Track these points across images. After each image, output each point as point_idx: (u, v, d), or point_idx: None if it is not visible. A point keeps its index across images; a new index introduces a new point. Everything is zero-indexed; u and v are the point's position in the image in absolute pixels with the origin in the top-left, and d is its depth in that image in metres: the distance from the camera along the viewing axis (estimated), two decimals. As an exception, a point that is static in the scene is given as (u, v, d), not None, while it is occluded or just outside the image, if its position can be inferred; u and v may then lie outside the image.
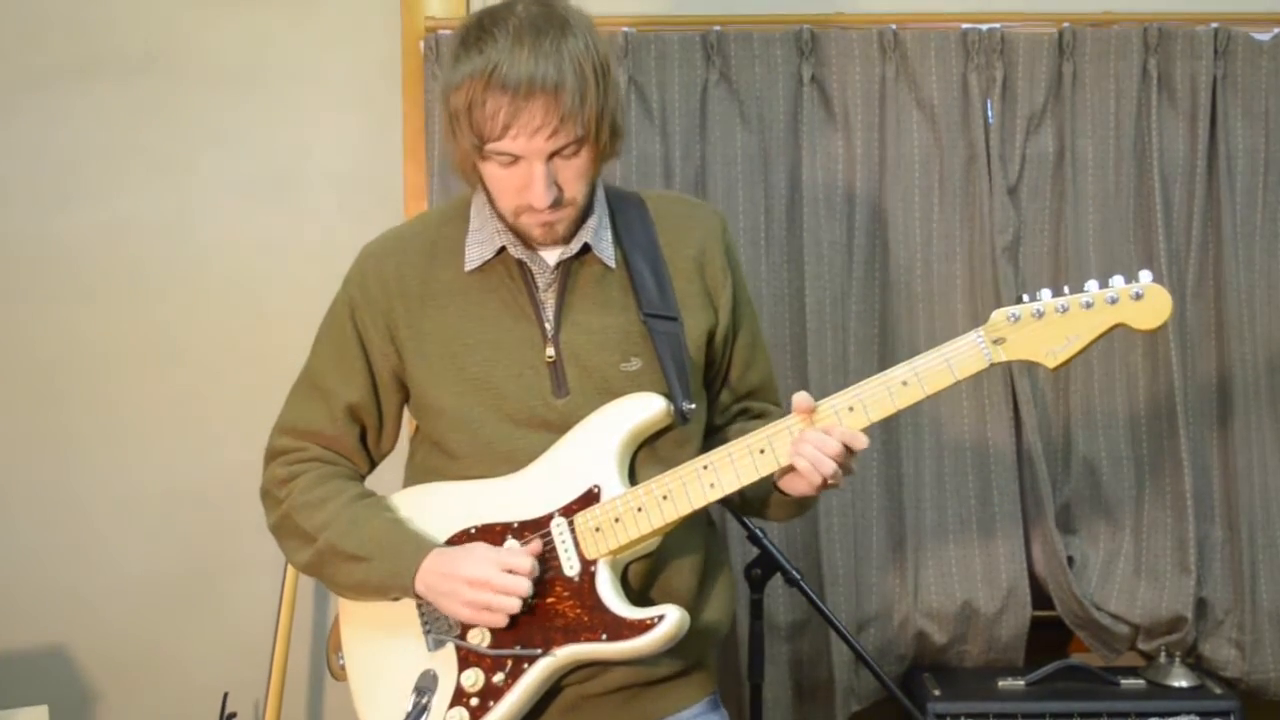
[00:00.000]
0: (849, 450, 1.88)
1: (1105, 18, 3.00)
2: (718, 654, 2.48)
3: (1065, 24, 2.97)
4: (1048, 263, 3.02)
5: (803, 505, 2.05)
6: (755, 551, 2.64)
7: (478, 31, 1.87)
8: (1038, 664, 2.91)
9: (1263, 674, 2.96)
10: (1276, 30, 2.99)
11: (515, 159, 1.87)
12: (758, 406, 2.16)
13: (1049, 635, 3.05)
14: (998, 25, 2.97)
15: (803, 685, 3.05)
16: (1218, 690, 2.87)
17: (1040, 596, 3.02)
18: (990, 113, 2.98)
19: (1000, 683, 2.88)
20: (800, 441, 1.88)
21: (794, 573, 2.61)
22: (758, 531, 2.61)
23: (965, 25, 2.97)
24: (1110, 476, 3.01)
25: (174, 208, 3.11)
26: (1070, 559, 2.97)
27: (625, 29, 2.97)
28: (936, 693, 2.85)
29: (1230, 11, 3.01)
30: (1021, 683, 2.88)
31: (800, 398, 1.90)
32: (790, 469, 1.92)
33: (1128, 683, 2.87)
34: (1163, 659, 2.94)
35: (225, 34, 3.10)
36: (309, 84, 3.11)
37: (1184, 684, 2.87)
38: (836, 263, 3.00)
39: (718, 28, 2.97)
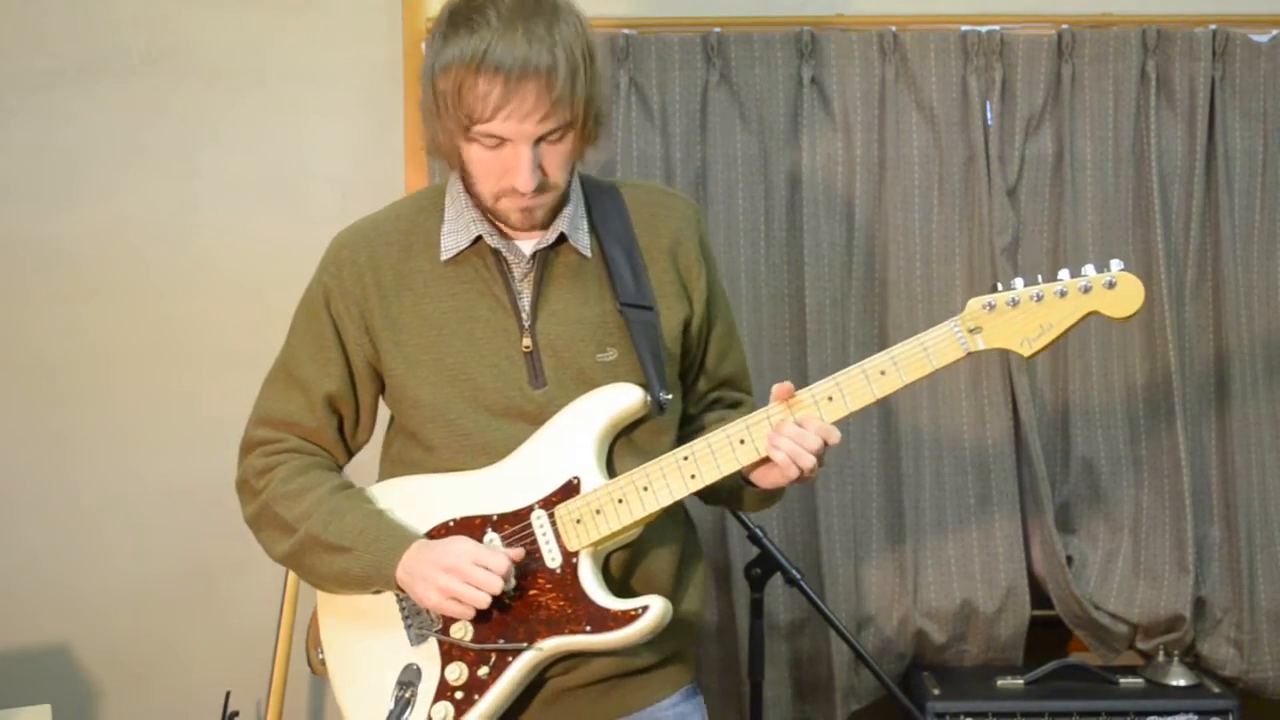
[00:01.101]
0: (824, 444, 1.89)
1: (1104, 19, 3.01)
2: (698, 646, 2.50)
3: (1064, 26, 2.98)
4: (1046, 263, 3.03)
5: (771, 497, 2.05)
6: (755, 551, 2.66)
7: (466, 13, 1.85)
8: (1037, 663, 2.92)
9: (1261, 673, 2.97)
10: (1275, 32, 3.00)
11: (501, 141, 1.87)
12: (731, 396, 2.16)
13: (1048, 634, 3.06)
14: (997, 27, 2.98)
15: (803, 684, 3.06)
16: (1216, 689, 2.88)
17: (1039, 596, 3.03)
18: (989, 114, 2.99)
19: (999, 682, 2.89)
20: (777, 435, 1.88)
21: (794, 572, 2.63)
22: (758, 531, 2.63)
23: (964, 27, 2.98)
24: (1109, 476, 3.03)
25: (175, 208, 3.11)
26: (1069, 558, 2.98)
27: (626, 31, 2.98)
28: (936, 692, 2.86)
29: (1228, 13, 3.02)
30: (1020, 682, 2.89)
31: (780, 386, 1.91)
32: (765, 461, 1.92)
33: (1126, 682, 2.88)
34: (1161, 658, 2.95)
35: (225, 34, 3.10)
36: (310, 85, 3.11)
37: (1182, 683, 2.89)
38: (836, 263, 3.01)
39: (718, 29, 2.98)
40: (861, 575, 3.02)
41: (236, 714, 2.81)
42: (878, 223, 3.02)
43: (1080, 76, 2.99)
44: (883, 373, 1.89)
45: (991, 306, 1.88)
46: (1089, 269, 1.87)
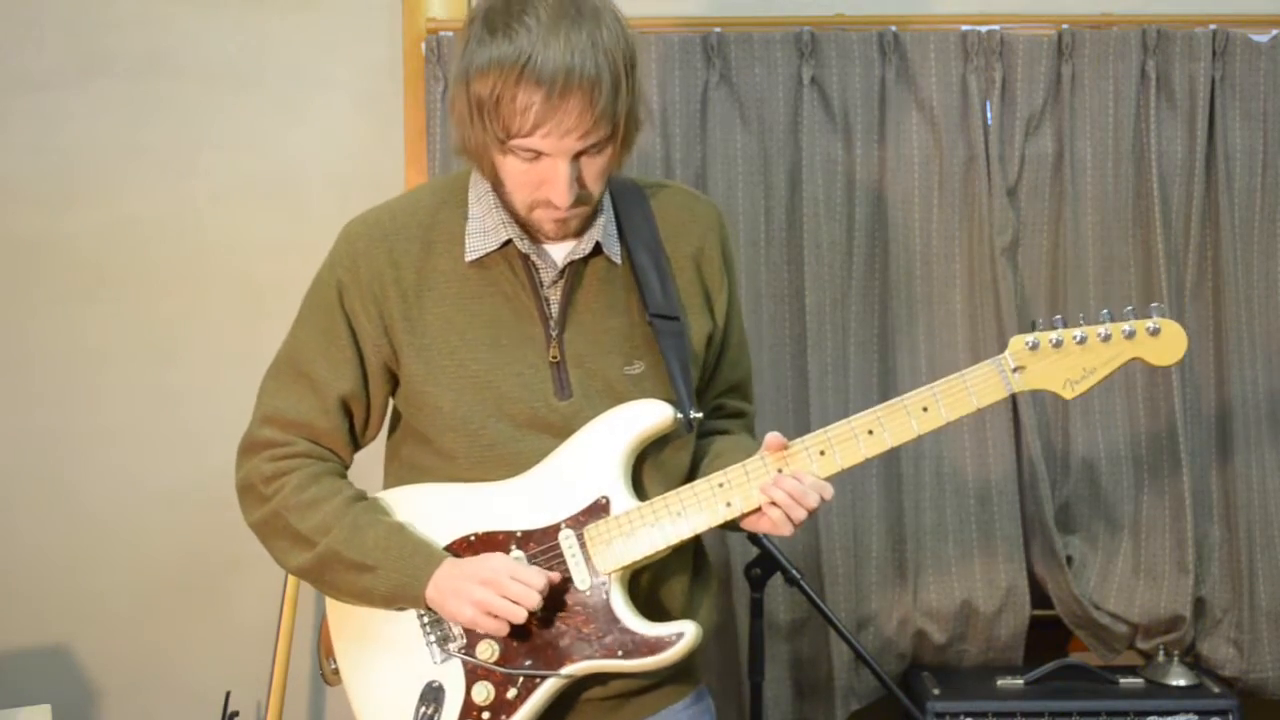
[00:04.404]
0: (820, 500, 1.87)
1: (1104, 19, 3.01)
2: (710, 651, 2.50)
3: (1064, 25, 2.98)
4: (1046, 263, 3.03)
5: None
6: (755, 551, 2.65)
7: (505, 15, 1.76)
8: (1037, 663, 2.92)
9: (1260, 673, 2.97)
10: (1274, 32, 3.00)
11: (539, 155, 1.79)
12: (733, 405, 2.13)
13: (1048, 634, 3.06)
14: (997, 27, 2.98)
15: (803, 684, 3.06)
16: (1216, 689, 2.88)
17: (1039, 596, 3.02)
18: (989, 114, 2.98)
19: (999, 681, 2.89)
20: (774, 488, 1.86)
21: (794, 572, 2.62)
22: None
23: (965, 27, 2.98)
24: (1109, 476, 3.02)
25: (174, 208, 3.11)
26: (1069, 558, 2.98)
27: (626, 31, 2.97)
28: (936, 691, 2.86)
29: (1228, 13, 3.02)
30: (1020, 681, 2.88)
31: (772, 436, 1.89)
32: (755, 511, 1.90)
33: (1126, 682, 2.88)
34: (1161, 658, 2.95)
35: (225, 34, 3.10)
36: (310, 85, 3.11)
37: (1182, 683, 2.88)
38: (836, 263, 3.01)
39: (718, 29, 2.98)
40: (861, 575, 3.01)
41: (236, 714, 2.81)
42: (878, 223, 3.02)
43: (1080, 76, 2.99)
44: (925, 409, 1.87)
45: (1035, 346, 1.87)
46: (1129, 312, 1.88)
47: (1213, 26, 2.97)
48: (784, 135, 3.00)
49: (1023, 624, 3.00)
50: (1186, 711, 2.79)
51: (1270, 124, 3.00)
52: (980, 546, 3.01)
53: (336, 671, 2.02)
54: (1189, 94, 2.98)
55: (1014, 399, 2.98)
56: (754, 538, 2.63)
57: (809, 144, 2.98)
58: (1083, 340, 1.86)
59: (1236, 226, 2.99)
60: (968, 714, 2.81)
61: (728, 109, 2.99)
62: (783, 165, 3.01)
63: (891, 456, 3.02)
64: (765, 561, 2.64)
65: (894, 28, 2.98)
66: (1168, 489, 3.00)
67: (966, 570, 3.00)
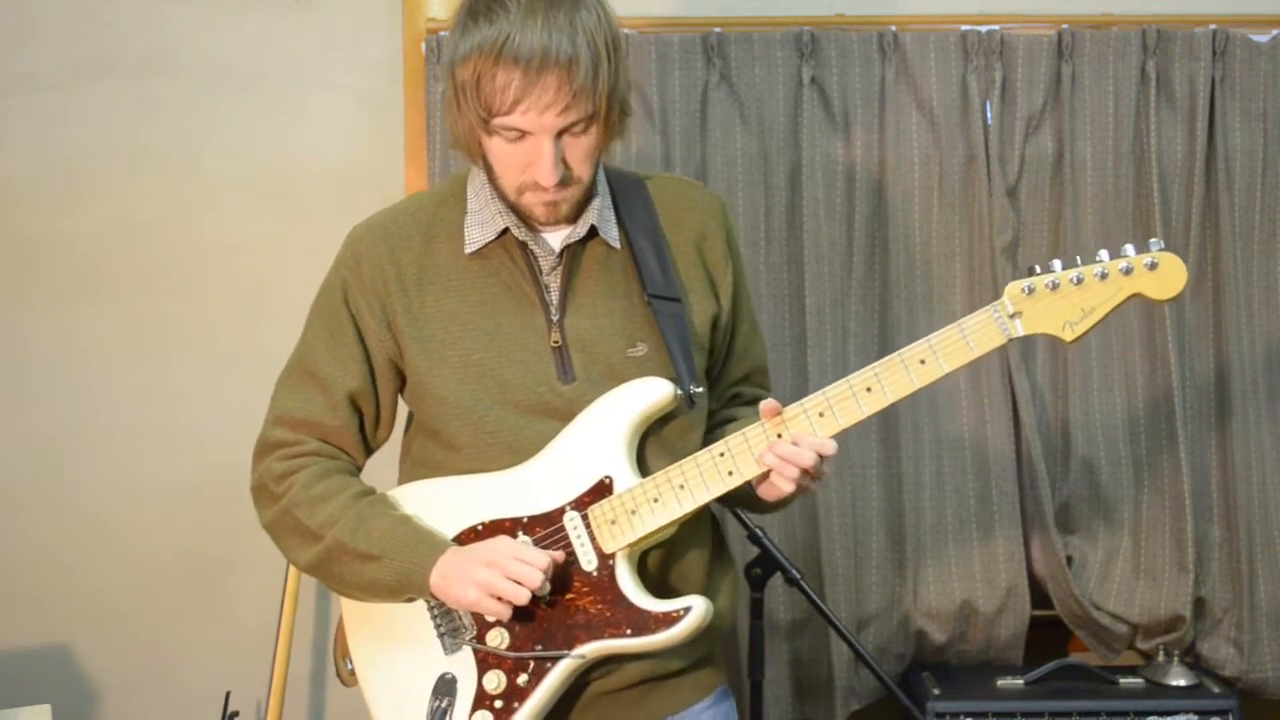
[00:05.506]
0: (820, 457, 1.86)
1: (1104, 19, 3.01)
2: (724, 646, 2.50)
3: (1064, 25, 2.98)
4: (1046, 263, 3.02)
5: (783, 501, 2.02)
6: (755, 551, 2.65)
7: (486, 2, 1.82)
8: (1037, 663, 2.92)
9: (1260, 673, 2.97)
10: (1274, 32, 3.00)
11: (523, 134, 1.83)
12: (750, 392, 2.14)
13: (1048, 634, 3.06)
14: (997, 27, 2.98)
15: (803, 684, 3.06)
16: (1216, 689, 2.88)
17: (1039, 596, 3.03)
18: (989, 114, 2.98)
19: (999, 681, 2.89)
20: (767, 452, 1.86)
21: (794, 572, 2.62)
22: (758, 531, 2.62)
23: (965, 27, 2.98)
24: (1109, 476, 3.02)
25: (174, 208, 3.11)
26: (1069, 558, 2.98)
27: (626, 31, 2.94)
28: (936, 691, 2.86)
29: (1228, 13, 3.02)
30: (1020, 681, 2.89)
31: (767, 403, 1.88)
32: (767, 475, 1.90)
33: (1126, 682, 2.88)
34: (1161, 658, 2.95)
35: (225, 34, 3.10)
36: (310, 85, 3.10)
37: (1182, 683, 2.88)
38: (836, 263, 3.01)
39: (718, 29, 2.98)
40: (861, 575, 3.01)
41: (236, 714, 2.81)
42: (878, 223, 3.02)
43: (1080, 76, 2.99)
44: (922, 362, 1.86)
45: (1031, 290, 1.83)
46: (1129, 249, 1.83)
47: (1213, 26, 2.97)
48: (784, 135, 3.00)
49: (1023, 624, 3.00)
50: (1186, 711, 2.79)
51: (1270, 124, 3.00)
52: (980, 546, 3.01)
53: (353, 672, 2.03)
54: (1189, 94, 2.98)
55: (1014, 398, 2.98)
56: (754, 537, 2.63)
57: (809, 144, 2.98)
58: (1079, 280, 1.82)
59: (1236, 226, 3.00)
60: (968, 714, 2.81)
61: (728, 109, 2.99)
62: (783, 165, 3.01)
63: (892, 457, 3.02)
64: (765, 561, 2.64)
65: (894, 28, 2.98)
66: (1167, 489, 3.00)
67: (966, 570, 3.00)
